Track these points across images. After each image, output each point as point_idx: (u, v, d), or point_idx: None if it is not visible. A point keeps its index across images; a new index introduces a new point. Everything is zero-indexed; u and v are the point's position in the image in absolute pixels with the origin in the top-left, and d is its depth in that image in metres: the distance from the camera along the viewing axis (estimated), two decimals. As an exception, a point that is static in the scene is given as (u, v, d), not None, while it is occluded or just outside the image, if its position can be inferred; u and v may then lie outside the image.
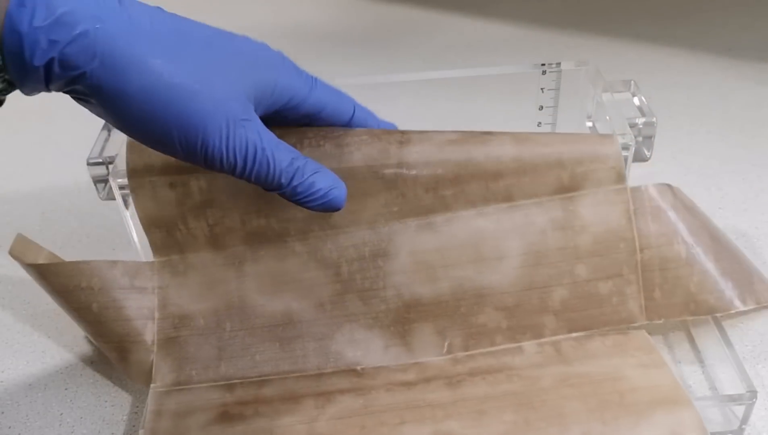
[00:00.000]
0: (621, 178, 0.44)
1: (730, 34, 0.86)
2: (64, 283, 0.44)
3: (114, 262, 0.45)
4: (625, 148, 0.47)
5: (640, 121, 0.51)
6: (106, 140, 0.53)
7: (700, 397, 0.44)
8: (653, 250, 0.45)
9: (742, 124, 0.70)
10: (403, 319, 0.44)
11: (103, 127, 0.54)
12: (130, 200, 0.50)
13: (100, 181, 0.51)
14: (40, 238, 0.60)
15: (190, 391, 0.43)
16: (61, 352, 0.50)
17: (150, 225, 0.45)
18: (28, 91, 0.33)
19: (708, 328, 0.46)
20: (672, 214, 0.45)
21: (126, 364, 0.45)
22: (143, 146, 0.36)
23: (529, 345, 0.44)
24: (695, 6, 0.93)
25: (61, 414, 0.45)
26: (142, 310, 0.44)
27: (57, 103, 0.78)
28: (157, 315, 0.44)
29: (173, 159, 0.37)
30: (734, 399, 0.41)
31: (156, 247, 0.45)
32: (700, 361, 0.47)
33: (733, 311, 0.45)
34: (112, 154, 0.51)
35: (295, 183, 0.37)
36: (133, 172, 0.44)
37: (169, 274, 0.45)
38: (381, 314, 0.44)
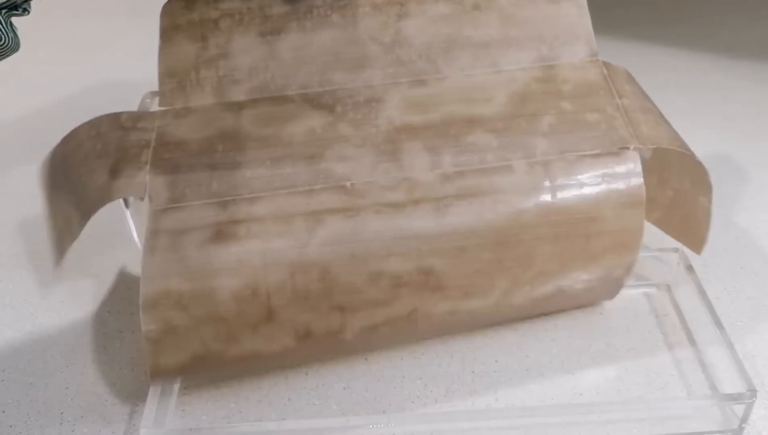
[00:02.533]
0: (593, 52, 0.49)
1: (730, 35, 0.86)
2: (80, 139, 0.46)
3: (121, 113, 0.47)
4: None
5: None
6: (107, 139, 0.53)
7: (700, 397, 0.45)
8: (631, 100, 0.48)
9: (741, 124, 0.70)
10: (394, 139, 0.45)
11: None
12: (131, 200, 0.50)
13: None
14: (41, 237, 0.60)
15: (184, 209, 0.44)
16: (62, 351, 0.50)
17: (165, 75, 0.48)
18: None
19: (708, 328, 0.46)
20: (640, 88, 0.50)
21: (115, 181, 0.44)
22: (171, 7, 0.47)
23: (519, 164, 0.45)
24: (695, 6, 0.93)
25: (62, 413, 0.45)
26: (140, 141, 0.46)
27: (57, 102, 0.78)
28: (153, 144, 0.46)
29: (196, 16, 0.47)
30: (734, 398, 0.42)
31: (164, 97, 0.47)
32: (700, 360, 0.47)
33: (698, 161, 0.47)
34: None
35: None
36: (163, 32, 0.48)
37: (171, 116, 0.47)
38: (371, 136, 0.46)
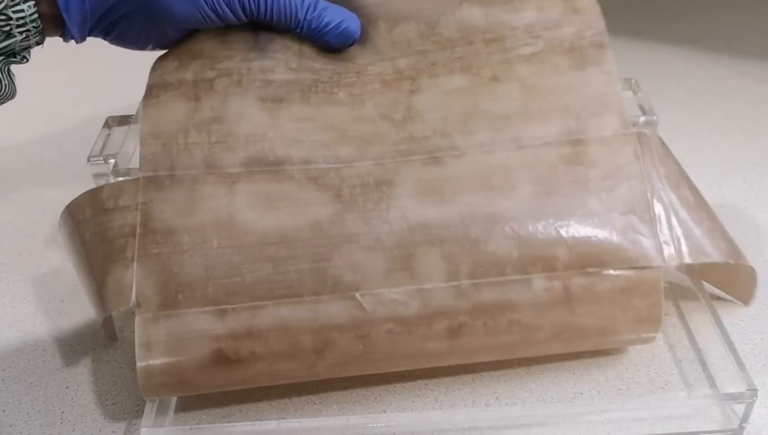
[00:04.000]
0: (625, 124, 0.44)
1: (730, 33, 0.86)
2: (73, 224, 0.44)
3: (102, 187, 0.44)
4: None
5: (641, 119, 0.51)
6: (107, 138, 0.53)
7: (700, 396, 0.45)
8: (662, 191, 0.44)
9: (742, 123, 0.70)
10: (408, 242, 0.42)
11: (104, 126, 0.54)
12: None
13: (101, 178, 0.51)
14: (41, 237, 0.60)
15: (178, 317, 0.40)
16: (62, 351, 0.50)
17: (149, 136, 0.43)
18: (73, 22, 0.42)
19: (708, 327, 0.46)
20: (676, 162, 0.46)
21: (104, 289, 0.42)
22: (163, 65, 0.45)
23: (538, 279, 0.42)
24: (696, 4, 0.93)
25: (62, 412, 0.45)
26: (124, 227, 0.42)
27: (58, 101, 0.78)
28: (138, 231, 0.42)
29: (189, 76, 0.44)
30: (735, 397, 0.42)
31: (146, 161, 0.43)
32: (701, 360, 0.47)
33: (744, 263, 0.46)
34: (113, 151, 0.52)
35: (309, 17, 0.44)
36: (149, 89, 0.45)
37: (153, 189, 0.43)
38: (383, 235, 0.41)
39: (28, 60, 0.43)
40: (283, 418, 0.44)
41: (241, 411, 0.45)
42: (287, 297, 0.41)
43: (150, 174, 0.43)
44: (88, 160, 0.51)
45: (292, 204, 0.42)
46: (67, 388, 0.47)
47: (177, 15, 0.43)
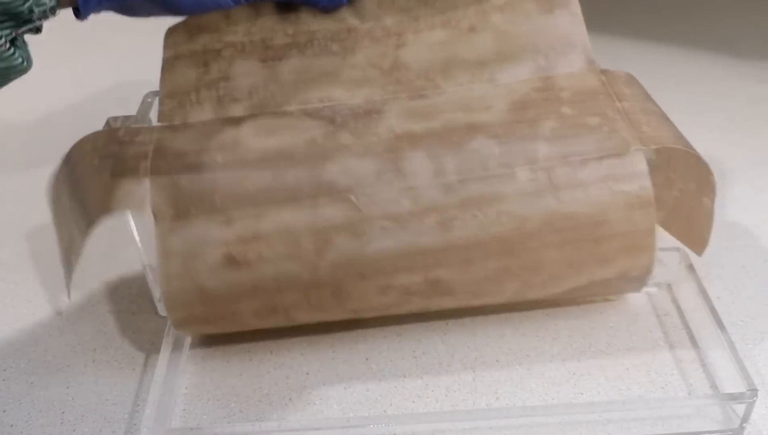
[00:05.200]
0: (590, 61, 0.49)
1: (730, 33, 0.86)
2: (77, 157, 0.46)
3: (119, 127, 0.48)
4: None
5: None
6: (107, 139, 0.53)
7: (701, 396, 0.45)
8: (631, 102, 0.47)
9: (742, 123, 0.70)
10: (396, 148, 0.45)
11: (105, 126, 0.54)
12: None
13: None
14: (41, 237, 0.60)
15: (190, 227, 0.44)
16: (63, 351, 0.50)
17: (166, 96, 0.48)
18: (88, 12, 0.42)
19: (708, 327, 0.46)
20: (645, 91, 0.50)
21: (113, 193, 0.44)
22: (175, 38, 0.49)
23: (522, 170, 0.44)
24: (696, 4, 0.93)
25: (63, 412, 0.46)
26: (138, 153, 0.45)
27: (58, 103, 0.78)
28: (150, 155, 0.45)
29: (199, 47, 0.49)
30: (735, 397, 0.42)
31: (163, 115, 0.48)
32: (701, 360, 0.47)
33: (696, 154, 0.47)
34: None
35: None
36: (166, 61, 0.49)
37: (168, 131, 0.47)
38: (373, 144, 0.45)
39: (41, 31, 0.43)
40: (283, 418, 0.44)
41: (241, 411, 0.45)
42: (287, 202, 0.44)
43: (166, 124, 0.47)
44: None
45: (290, 129, 0.46)
46: (67, 388, 0.47)
47: (186, 8, 0.47)
